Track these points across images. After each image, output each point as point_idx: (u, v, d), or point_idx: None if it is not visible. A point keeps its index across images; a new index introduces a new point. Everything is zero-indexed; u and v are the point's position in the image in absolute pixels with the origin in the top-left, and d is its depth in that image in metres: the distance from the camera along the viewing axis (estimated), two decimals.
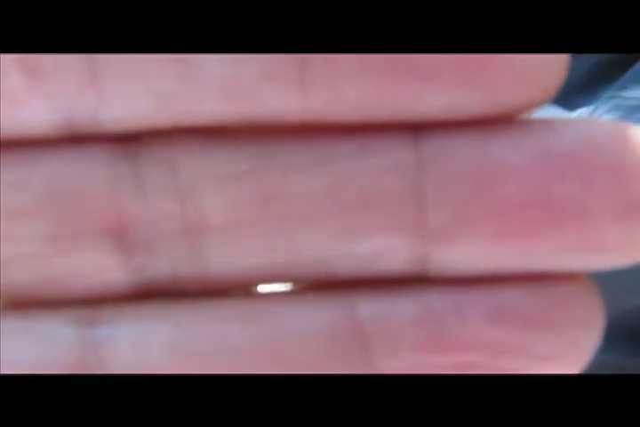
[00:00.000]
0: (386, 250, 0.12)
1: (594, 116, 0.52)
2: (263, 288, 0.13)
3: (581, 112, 0.53)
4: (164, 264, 0.12)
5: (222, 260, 0.12)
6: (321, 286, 0.13)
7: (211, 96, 0.12)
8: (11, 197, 0.12)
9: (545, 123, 0.12)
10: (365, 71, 0.12)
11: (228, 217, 0.12)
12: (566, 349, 0.13)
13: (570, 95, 0.54)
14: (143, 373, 0.12)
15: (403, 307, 0.12)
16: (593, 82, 0.53)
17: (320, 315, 0.12)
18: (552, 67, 0.12)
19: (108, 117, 0.12)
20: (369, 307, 0.12)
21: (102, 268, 0.12)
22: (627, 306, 0.47)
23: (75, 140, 0.12)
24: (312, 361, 0.12)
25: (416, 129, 0.12)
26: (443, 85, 0.12)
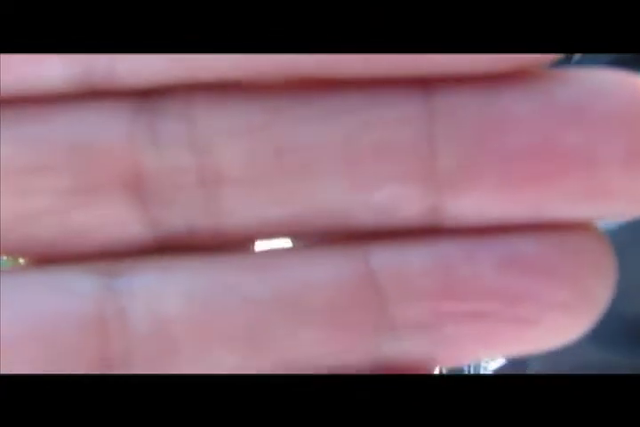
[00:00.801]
0: (399, 199, 0.13)
1: None
2: (278, 243, 0.13)
3: None
4: (181, 217, 0.13)
5: (238, 212, 0.13)
6: (335, 239, 0.13)
7: None
8: (30, 152, 0.12)
9: (552, 74, 0.13)
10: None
11: (243, 170, 0.12)
12: (579, 297, 0.13)
13: None
14: (162, 323, 0.13)
15: (415, 256, 0.13)
16: None
17: (334, 266, 0.13)
18: None
19: (124, 72, 0.12)
20: (382, 257, 0.13)
21: (120, 221, 0.13)
22: None
23: (92, 95, 0.12)
24: (327, 311, 0.13)
25: (425, 82, 0.12)
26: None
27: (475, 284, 0.13)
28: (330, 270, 0.13)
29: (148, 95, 0.13)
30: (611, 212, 0.13)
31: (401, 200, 0.13)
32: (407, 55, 0.12)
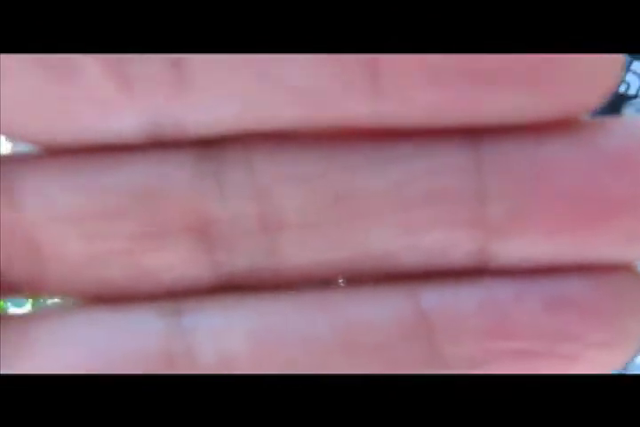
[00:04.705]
0: (448, 243, 0.13)
1: None
2: (334, 281, 0.14)
3: None
4: (242, 260, 0.13)
5: (296, 255, 0.13)
6: (386, 278, 0.14)
7: (289, 102, 0.13)
8: (101, 199, 0.13)
9: (598, 123, 0.13)
10: (434, 78, 0.12)
11: (301, 215, 0.13)
12: (619, 337, 0.13)
13: None
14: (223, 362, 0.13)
15: (465, 296, 0.13)
16: None
17: (386, 305, 0.13)
18: (609, 68, 0.13)
19: (193, 123, 0.13)
20: (432, 297, 0.13)
21: (186, 263, 0.13)
22: None
23: (159, 144, 0.13)
24: (379, 349, 0.13)
25: (473, 132, 0.13)
26: (507, 90, 0.12)
27: (523, 323, 0.13)
28: (384, 310, 0.13)
29: (212, 143, 0.13)
30: None
31: (450, 244, 0.13)
32: (456, 106, 0.13)
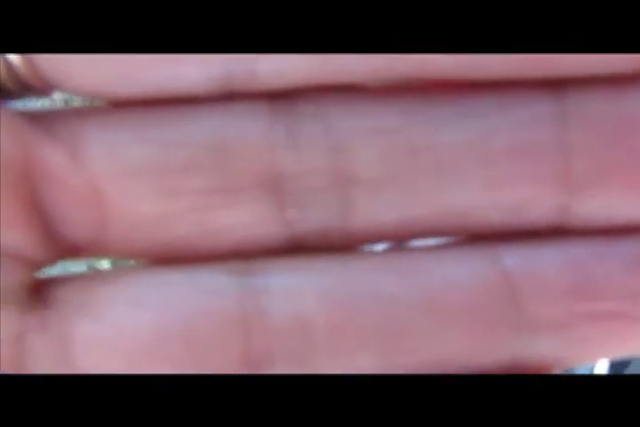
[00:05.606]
0: (531, 199, 0.13)
1: None
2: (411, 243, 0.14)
3: None
4: (315, 218, 0.13)
5: (371, 213, 0.13)
6: (466, 239, 0.13)
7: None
8: (172, 153, 0.13)
9: None
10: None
11: (376, 170, 0.13)
12: None
13: None
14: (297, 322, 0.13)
15: (547, 256, 0.13)
16: None
17: (470, 265, 0.13)
18: None
19: (265, 73, 0.12)
20: (514, 257, 0.13)
21: (257, 221, 0.13)
22: None
23: (231, 97, 0.13)
24: (465, 310, 0.13)
25: (557, 84, 0.13)
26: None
27: (606, 283, 0.13)
28: (466, 270, 0.13)
29: (286, 97, 0.13)
30: None
31: (532, 201, 0.13)
32: (541, 57, 0.12)
